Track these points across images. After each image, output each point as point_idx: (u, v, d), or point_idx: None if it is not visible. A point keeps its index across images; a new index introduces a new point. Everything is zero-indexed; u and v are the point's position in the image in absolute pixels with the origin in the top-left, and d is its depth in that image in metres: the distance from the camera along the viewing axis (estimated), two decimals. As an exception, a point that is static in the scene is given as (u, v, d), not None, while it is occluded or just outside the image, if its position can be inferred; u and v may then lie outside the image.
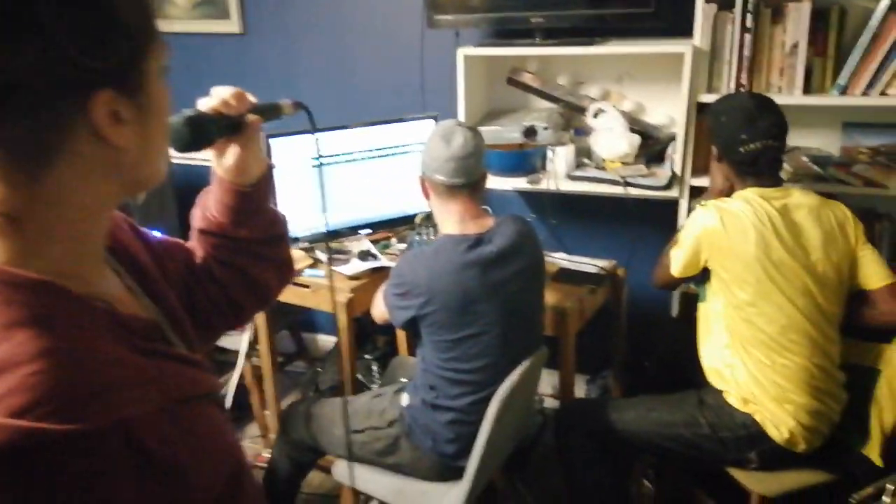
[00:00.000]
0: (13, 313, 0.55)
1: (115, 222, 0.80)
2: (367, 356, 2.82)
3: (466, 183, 1.84)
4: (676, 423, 1.93)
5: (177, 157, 0.86)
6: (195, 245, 0.97)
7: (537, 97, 2.53)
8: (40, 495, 0.52)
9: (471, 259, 1.79)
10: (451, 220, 1.87)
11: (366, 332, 2.83)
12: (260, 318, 2.52)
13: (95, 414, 0.55)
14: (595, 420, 2.03)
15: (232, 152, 0.92)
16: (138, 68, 0.62)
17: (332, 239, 2.54)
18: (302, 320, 3.03)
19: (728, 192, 1.98)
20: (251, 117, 0.92)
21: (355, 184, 2.54)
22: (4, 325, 0.55)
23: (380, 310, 2.00)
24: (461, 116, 2.48)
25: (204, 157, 0.92)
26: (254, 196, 0.95)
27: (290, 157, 2.43)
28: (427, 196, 1.92)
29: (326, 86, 2.94)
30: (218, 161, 0.94)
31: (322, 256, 2.46)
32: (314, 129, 1.07)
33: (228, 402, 2.61)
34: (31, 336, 0.55)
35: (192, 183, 1.39)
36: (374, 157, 2.55)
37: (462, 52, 2.41)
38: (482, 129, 2.48)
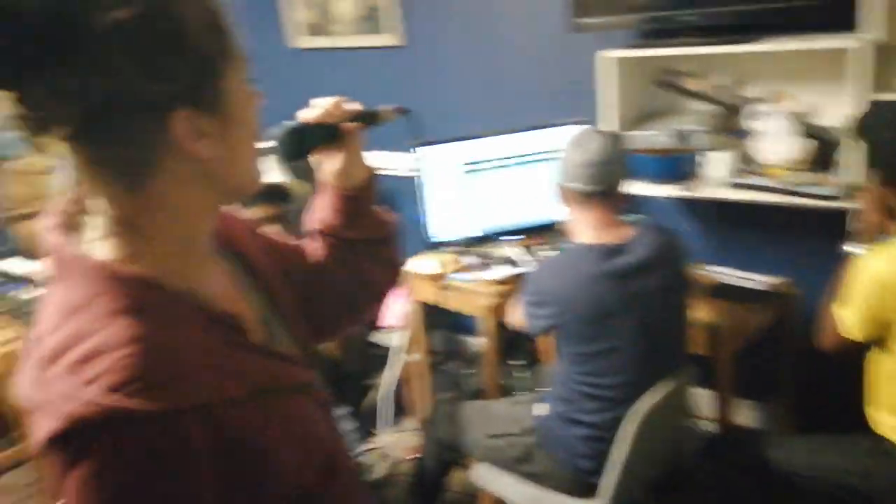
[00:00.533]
0: (115, 303, 0.64)
1: (233, 224, 0.87)
2: (514, 362, 2.83)
3: (603, 190, 1.79)
4: (850, 471, 1.73)
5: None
6: (313, 245, 1.03)
7: (690, 99, 2.38)
8: (124, 465, 0.60)
9: (606, 270, 1.74)
10: (587, 228, 1.83)
11: (517, 338, 2.84)
12: (415, 317, 2.63)
13: (175, 396, 0.61)
14: (755, 454, 1.88)
15: (334, 159, 0.96)
16: (214, 86, 0.67)
17: (479, 244, 2.58)
18: (457, 322, 3.11)
19: (885, 228, 1.68)
20: (350, 125, 0.94)
21: (503, 190, 2.57)
22: (108, 312, 0.63)
23: (517, 317, 2.00)
24: (604, 121, 2.41)
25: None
26: (358, 199, 0.99)
27: (440, 163, 2.51)
28: (564, 203, 1.89)
29: (479, 93, 2.99)
30: (323, 167, 0.98)
31: (470, 260, 2.52)
32: (418, 137, 1.10)
33: (386, 398, 2.75)
34: (127, 324, 0.62)
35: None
36: (522, 163, 2.56)
37: (604, 55, 2.34)
38: (631, 133, 2.41)
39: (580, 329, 1.76)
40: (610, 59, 2.33)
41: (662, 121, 2.38)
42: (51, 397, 0.61)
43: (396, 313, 2.73)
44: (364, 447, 2.66)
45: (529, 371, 2.77)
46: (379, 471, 2.58)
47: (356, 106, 0.95)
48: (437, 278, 2.49)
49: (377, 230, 1.03)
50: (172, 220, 0.69)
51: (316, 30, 3.37)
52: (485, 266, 2.48)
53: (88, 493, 0.59)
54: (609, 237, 1.80)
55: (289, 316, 0.88)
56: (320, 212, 1.01)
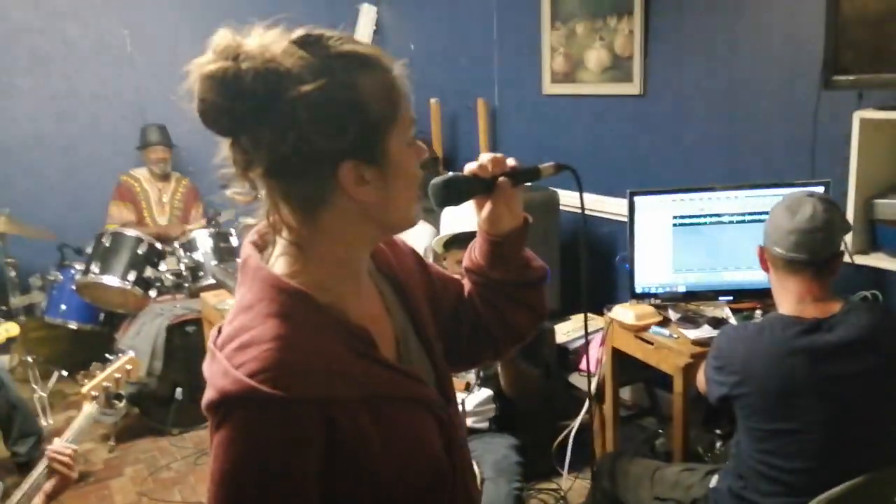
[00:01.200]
0: (272, 308, 0.80)
1: (398, 251, 1.03)
2: (716, 430, 2.66)
3: (810, 260, 1.65)
4: None
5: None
6: (465, 281, 1.14)
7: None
8: (251, 436, 0.75)
9: (800, 345, 1.60)
10: (788, 298, 1.70)
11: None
12: (609, 366, 2.62)
13: (300, 388, 0.76)
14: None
15: (486, 207, 1.05)
16: (378, 143, 0.82)
17: (686, 300, 2.48)
18: (658, 377, 3.00)
19: None
20: (502, 180, 1.03)
21: (720, 246, 2.45)
22: (265, 314, 0.80)
23: (700, 380, 1.91)
24: (852, 186, 2.19)
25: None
26: (504, 245, 1.07)
27: (653, 213, 2.48)
28: (766, 269, 1.78)
29: (714, 144, 2.88)
30: (477, 213, 1.09)
31: (673, 315, 2.44)
32: (580, 190, 1.15)
33: (570, 441, 2.75)
34: (275, 325, 0.79)
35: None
36: (744, 221, 2.43)
37: (863, 115, 2.13)
38: (881, 201, 2.16)
39: (762, 404, 1.64)
40: (868, 119, 2.12)
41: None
42: (214, 373, 0.79)
43: (595, 359, 2.73)
44: (538, 485, 2.69)
45: (726, 442, 2.58)
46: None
47: (512, 162, 1.04)
48: (637, 329, 2.45)
49: (521, 275, 1.09)
50: (333, 247, 0.85)
51: (565, 78, 3.52)
52: (688, 323, 2.38)
53: (223, 451, 0.76)
54: (810, 311, 1.65)
55: (428, 339, 0.99)
56: (471, 252, 1.11)
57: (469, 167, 1.04)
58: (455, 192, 1.03)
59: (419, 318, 0.99)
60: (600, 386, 2.69)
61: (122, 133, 4.34)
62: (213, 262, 3.67)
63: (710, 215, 2.45)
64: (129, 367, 2.04)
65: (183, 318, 3.46)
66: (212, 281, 3.63)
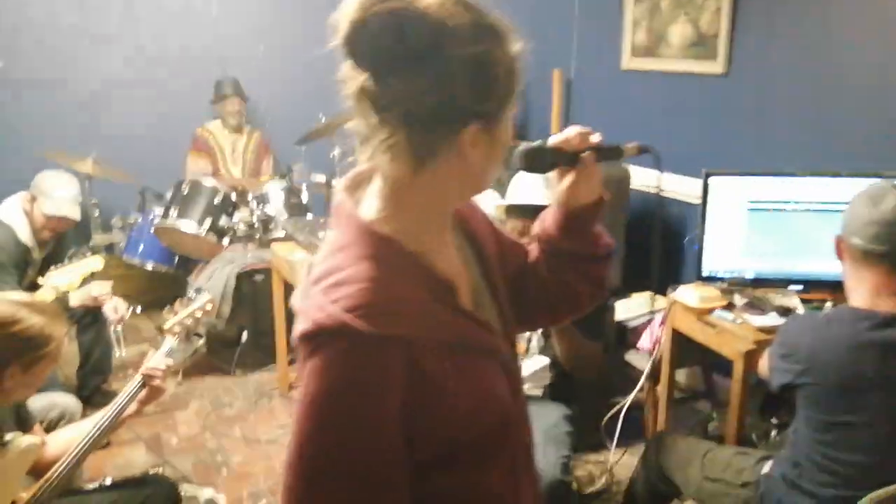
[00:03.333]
0: (364, 250, 0.86)
1: (474, 211, 1.07)
2: (773, 419, 2.63)
3: (888, 252, 1.61)
4: None
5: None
6: (532, 248, 1.17)
7: None
8: (341, 366, 0.81)
9: (871, 339, 1.58)
10: (862, 290, 1.66)
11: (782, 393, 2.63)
12: (668, 346, 2.61)
13: (387, 325, 0.81)
14: None
15: (566, 179, 1.08)
16: (499, 114, 0.87)
17: (753, 286, 2.44)
18: (716, 361, 2.97)
19: None
20: (587, 155, 1.05)
21: (794, 234, 2.40)
22: (358, 256, 0.85)
23: (763, 366, 1.90)
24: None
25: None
26: (579, 218, 1.10)
27: (727, 195, 2.44)
28: (841, 258, 1.74)
29: (798, 129, 2.79)
30: (556, 183, 1.11)
31: (738, 300, 2.41)
32: (659, 169, 1.16)
33: (621, 417, 2.77)
34: (367, 267, 0.84)
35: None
36: (822, 211, 2.36)
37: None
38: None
39: (826, 396, 1.62)
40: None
41: None
42: (308, 307, 0.84)
43: (653, 338, 2.72)
44: (585, 457, 2.72)
45: (781, 431, 2.55)
46: (596, 484, 2.62)
47: (596, 139, 1.06)
48: (700, 312, 2.43)
49: (589, 248, 1.12)
50: (429, 199, 0.89)
51: (646, 52, 3.45)
52: (754, 310, 2.35)
53: (314, 379, 0.82)
54: (885, 305, 1.62)
55: (498, 295, 1.04)
56: (544, 220, 1.14)
57: (555, 139, 1.06)
58: (540, 161, 1.06)
59: (492, 275, 1.03)
60: (656, 366, 2.68)
61: (200, 87, 4.49)
62: (284, 216, 3.79)
63: (789, 201, 2.39)
64: (208, 307, 2.15)
65: (252, 267, 3.60)
66: (282, 234, 3.75)
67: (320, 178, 4.19)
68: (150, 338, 4.04)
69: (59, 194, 3.06)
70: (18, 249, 3.04)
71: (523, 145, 1.05)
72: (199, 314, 2.12)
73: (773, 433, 2.58)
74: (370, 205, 0.91)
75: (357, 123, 0.87)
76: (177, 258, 4.05)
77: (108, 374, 3.34)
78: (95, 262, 2.55)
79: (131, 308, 3.67)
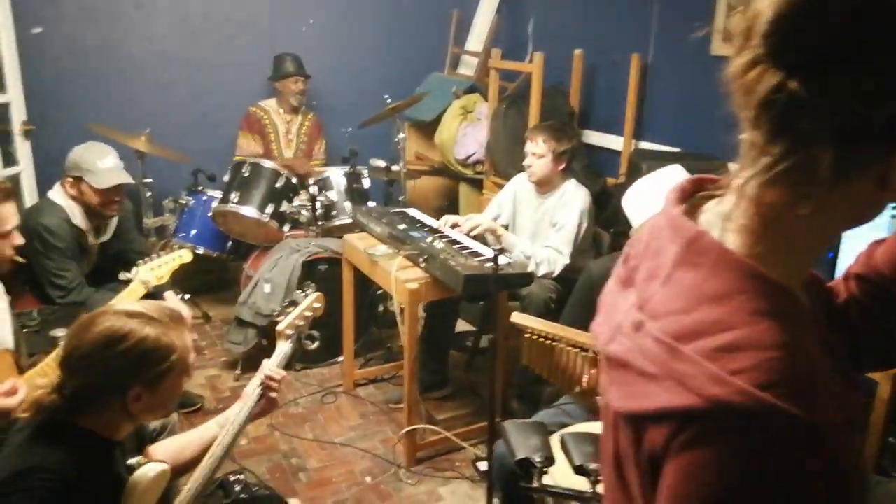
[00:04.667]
0: (759, 304, 0.65)
1: None
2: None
3: None
4: None
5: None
6: (839, 286, 0.96)
7: None
8: (760, 456, 0.62)
9: None
10: None
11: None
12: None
13: (815, 407, 0.62)
14: None
15: None
16: None
17: None
18: None
19: None
20: None
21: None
22: (752, 311, 0.65)
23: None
24: None
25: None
26: None
27: None
28: None
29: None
30: None
31: None
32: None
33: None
34: (773, 327, 0.64)
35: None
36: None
37: None
38: None
39: None
40: None
41: None
42: (683, 374, 0.64)
43: None
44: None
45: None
46: None
47: None
48: None
49: None
50: (813, 235, 0.70)
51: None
52: None
53: (709, 474, 0.62)
54: None
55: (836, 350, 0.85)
56: (870, 258, 0.93)
57: None
58: None
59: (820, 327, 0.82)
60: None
61: (251, 61, 4.27)
62: (346, 203, 3.60)
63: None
64: (317, 304, 1.98)
65: (318, 256, 3.41)
66: (344, 221, 3.56)
67: (379, 163, 3.99)
68: (197, 325, 3.88)
69: (104, 166, 2.85)
70: (73, 233, 2.86)
71: None
72: (308, 313, 1.95)
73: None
74: (729, 235, 0.70)
75: (751, 136, 0.68)
76: (230, 243, 3.86)
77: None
78: (185, 255, 2.36)
79: (180, 295, 3.49)
